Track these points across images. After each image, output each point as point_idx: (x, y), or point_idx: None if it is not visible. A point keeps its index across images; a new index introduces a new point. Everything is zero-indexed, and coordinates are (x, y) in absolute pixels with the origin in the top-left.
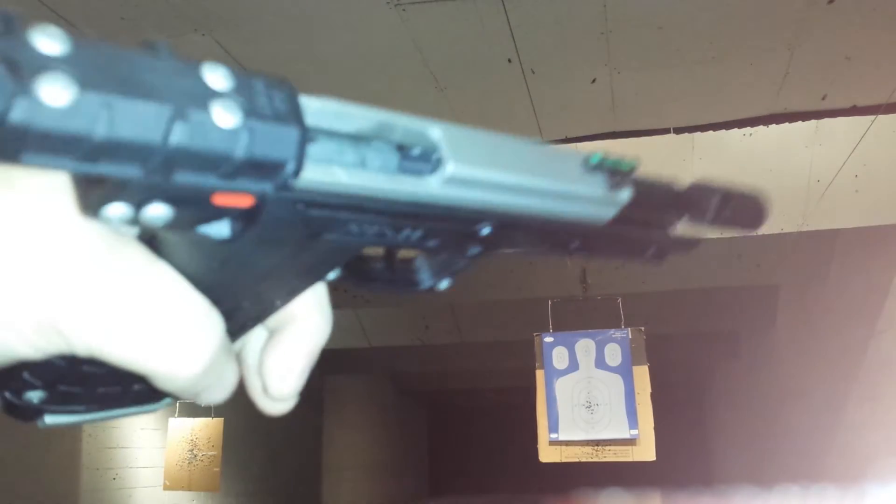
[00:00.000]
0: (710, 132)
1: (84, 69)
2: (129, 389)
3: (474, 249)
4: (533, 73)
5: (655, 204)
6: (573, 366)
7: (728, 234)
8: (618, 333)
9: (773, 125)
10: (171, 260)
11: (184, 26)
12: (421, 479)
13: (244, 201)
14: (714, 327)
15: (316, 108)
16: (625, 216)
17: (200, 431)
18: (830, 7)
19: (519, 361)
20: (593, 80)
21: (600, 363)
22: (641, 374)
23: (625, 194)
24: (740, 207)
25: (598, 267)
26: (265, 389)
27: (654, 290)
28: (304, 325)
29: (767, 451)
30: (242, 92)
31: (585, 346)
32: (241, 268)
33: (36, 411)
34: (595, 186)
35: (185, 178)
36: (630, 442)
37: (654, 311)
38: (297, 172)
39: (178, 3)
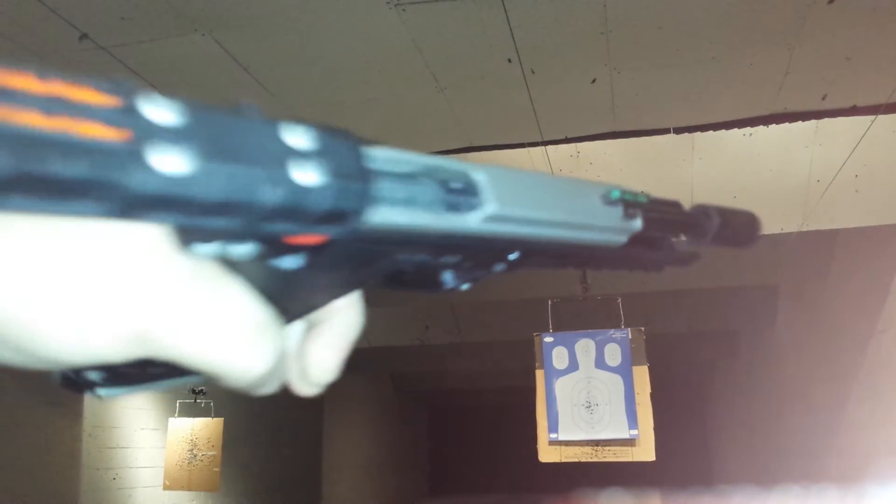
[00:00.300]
0: (710, 132)
1: (192, 139)
2: (179, 367)
3: (500, 267)
4: (533, 72)
5: (663, 226)
6: (573, 366)
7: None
8: (618, 333)
9: (774, 125)
10: (241, 275)
11: (184, 26)
12: (421, 479)
13: (317, 240)
14: (714, 327)
15: (376, 156)
16: (634, 238)
17: (200, 431)
18: (830, 7)
19: (519, 361)
20: (593, 80)
21: (600, 363)
22: (641, 374)
23: (637, 223)
24: (737, 227)
25: None
26: (304, 375)
27: (654, 290)
28: (342, 319)
29: (767, 451)
30: (318, 149)
31: (585, 346)
32: (300, 285)
33: (92, 386)
34: (613, 218)
35: (275, 227)
36: (630, 442)
37: (654, 311)
38: (364, 217)
39: (178, 3)
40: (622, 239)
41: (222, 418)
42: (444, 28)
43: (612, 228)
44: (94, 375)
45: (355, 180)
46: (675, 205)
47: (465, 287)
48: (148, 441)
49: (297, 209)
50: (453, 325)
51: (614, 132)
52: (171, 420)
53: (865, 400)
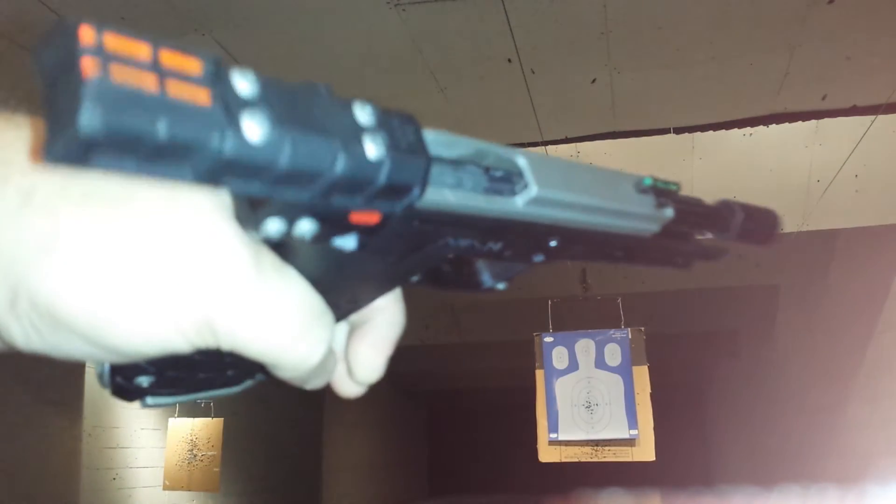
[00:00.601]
0: (711, 132)
1: (272, 108)
2: (224, 375)
3: (539, 258)
4: (533, 73)
5: (690, 219)
6: (573, 366)
7: (744, 247)
8: (618, 333)
9: (774, 125)
10: (295, 266)
11: (184, 26)
12: (421, 479)
13: (373, 218)
14: (714, 327)
15: (431, 139)
16: (665, 229)
17: (200, 431)
18: (830, 7)
19: (519, 361)
20: (593, 80)
21: (600, 363)
22: (641, 374)
23: (669, 212)
24: (760, 224)
25: (598, 267)
26: (351, 374)
27: (654, 290)
28: (386, 318)
29: (767, 451)
30: (383, 126)
31: (585, 346)
32: (350, 274)
33: (141, 393)
34: (645, 205)
35: (339, 200)
36: (630, 442)
37: (654, 311)
38: (421, 195)
39: (177, 3)
40: (655, 228)
41: (222, 418)
42: (444, 28)
43: (646, 216)
44: (144, 381)
45: (415, 156)
46: (698, 200)
47: (501, 286)
48: (148, 441)
49: (361, 180)
50: (453, 325)
51: (614, 132)
52: (171, 420)
53: (866, 400)
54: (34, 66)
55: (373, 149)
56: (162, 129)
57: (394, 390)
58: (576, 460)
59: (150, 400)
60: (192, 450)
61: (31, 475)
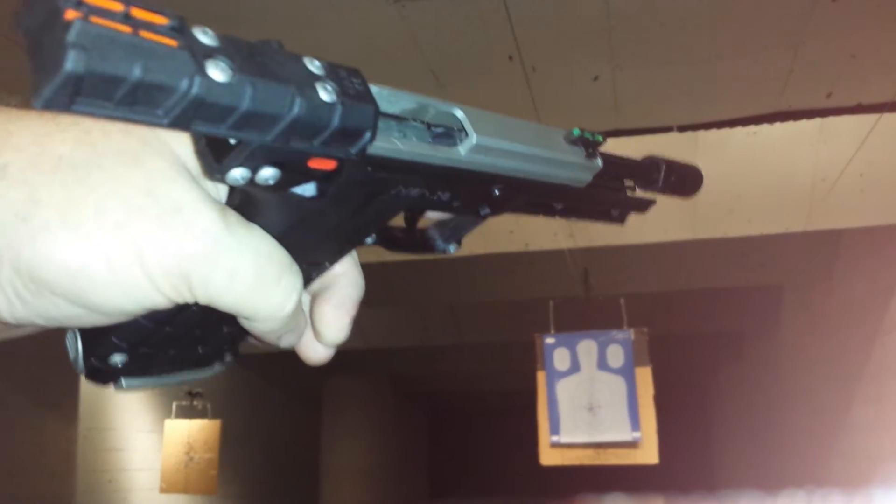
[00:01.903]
0: (714, 130)
1: (233, 57)
2: (195, 352)
3: (485, 210)
4: (534, 70)
5: (619, 172)
6: (575, 367)
7: (671, 197)
8: (620, 334)
9: (778, 123)
10: (258, 223)
11: None
12: (421, 482)
13: (330, 165)
14: (718, 328)
15: (376, 92)
16: (597, 182)
17: (197, 434)
18: (835, 5)
19: (520, 363)
20: (595, 78)
21: (602, 364)
22: (644, 376)
23: (598, 162)
24: (683, 178)
25: (600, 267)
26: (318, 336)
27: (657, 291)
28: (347, 280)
29: (771, 454)
30: (332, 76)
31: (587, 347)
32: (310, 229)
33: (116, 374)
34: (576, 155)
35: (297, 144)
36: (632, 445)
37: (657, 312)
38: (371, 140)
39: (177, 2)
40: (587, 177)
41: (220, 420)
42: (444, 25)
43: (578, 165)
44: (117, 359)
45: (364, 102)
46: (625, 156)
47: (452, 249)
48: (144, 443)
49: (317, 123)
50: (453, 326)
51: (617, 130)
52: (167, 422)
53: (870, 402)
54: (17, 28)
55: (325, 94)
56: (138, 70)
57: (393, 392)
58: (577, 463)
59: (124, 382)
60: (188, 452)
61: (26, 477)
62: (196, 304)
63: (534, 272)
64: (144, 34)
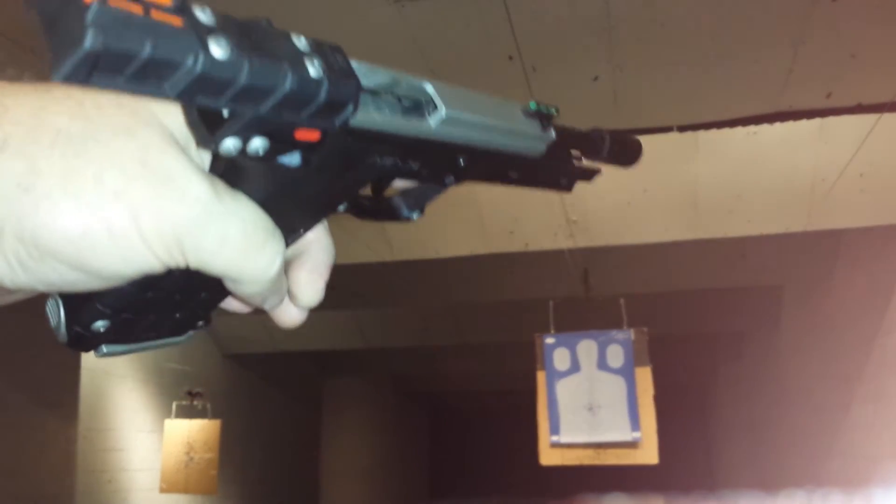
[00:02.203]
0: (714, 130)
1: (230, 35)
2: (172, 318)
3: (449, 179)
4: (534, 70)
5: (568, 142)
6: (574, 367)
7: (613, 166)
8: (620, 334)
9: (778, 123)
10: (242, 191)
11: None
12: (421, 482)
13: (315, 136)
14: (717, 328)
15: (356, 66)
16: (549, 152)
17: (197, 434)
18: (835, 4)
19: (520, 363)
20: (595, 78)
21: (602, 364)
22: (644, 376)
23: (552, 133)
24: (626, 148)
25: (600, 267)
26: (294, 300)
27: (657, 291)
28: (320, 246)
29: (771, 454)
30: (319, 53)
31: (587, 348)
32: (291, 195)
33: (97, 341)
34: (533, 127)
35: (287, 115)
36: (632, 445)
37: (657, 312)
38: (354, 113)
39: None
40: (542, 148)
41: (220, 420)
42: (443, 24)
43: (534, 136)
44: (100, 325)
45: (347, 78)
46: (573, 127)
47: (416, 216)
48: (144, 443)
49: (306, 97)
50: (453, 326)
51: (616, 130)
52: (167, 421)
53: (870, 401)
54: (30, 10)
55: (313, 70)
56: (149, 47)
57: (393, 392)
58: (577, 463)
59: (105, 349)
60: (188, 452)
61: (26, 477)
62: (182, 270)
63: (534, 272)
64: (155, 14)
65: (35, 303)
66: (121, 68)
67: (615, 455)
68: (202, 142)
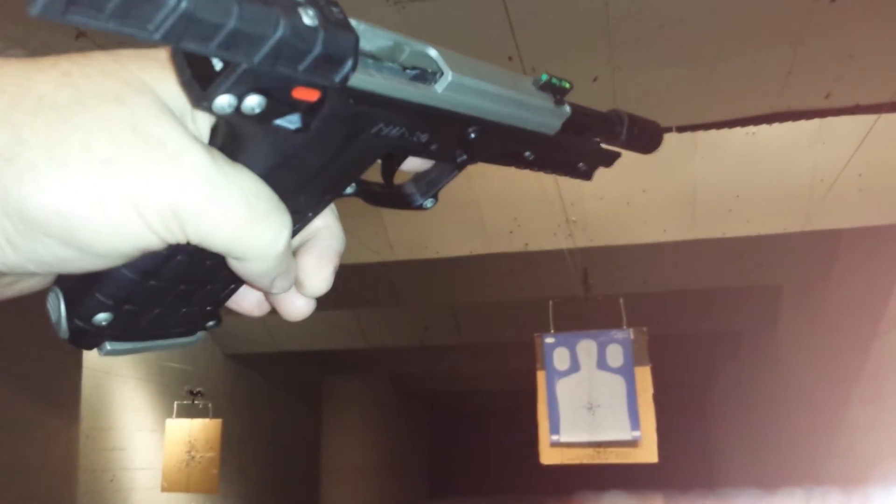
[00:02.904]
0: (713, 131)
1: None
2: (178, 312)
3: (462, 157)
4: (534, 70)
5: (584, 121)
6: (574, 366)
7: (628, 152)
8: (620, 334)
9: (777, 124)
10: (242, 163)
11: None
12: (421, 481)
13: (313, 95)
14: (716, 328)
15: (354, 24)
16: (565, 129)
17: (199, 433)
18: (833, 5)
19: (520, 362)
20: (595, 79)
21: (602, 364)
22: (643, 375)
23: (566, 109)
24: (645, 132)
25: (599, 267)
26: (301, 288)
27: (657, 291)
28: (328, 233)
29: (770, 453)
30: (313, 3)
31: (587, 347)
32: (295, 167)
33: (100, 336)
34: (546, 101)
35: (283, 68)
36: (632, 444)
37: (657, 312)
38: (353, 69)
39: None
40: (557, 125)
41: (221, 419)
42: (443, 25)
43: (548, 110)
44: (102, 318)
45: (345, 30)
46: (592, 108)
47: (429, 203)
48: (145, 442)
49: (301, 47)
50: (453, 326)
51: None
52: (169, 421)
53: (868, 401)
54: None
55: (307, 18)
56: None
57: (394, 392)
58: (577, 462)
59: (108, 345)
60: (190, 451)
61: (28, 477)
62: (185, 252)
63: (534, 272)
64: None
65: (36, 303)
66: (101, 4)
67: (615, 454)
68: (195, 100)
